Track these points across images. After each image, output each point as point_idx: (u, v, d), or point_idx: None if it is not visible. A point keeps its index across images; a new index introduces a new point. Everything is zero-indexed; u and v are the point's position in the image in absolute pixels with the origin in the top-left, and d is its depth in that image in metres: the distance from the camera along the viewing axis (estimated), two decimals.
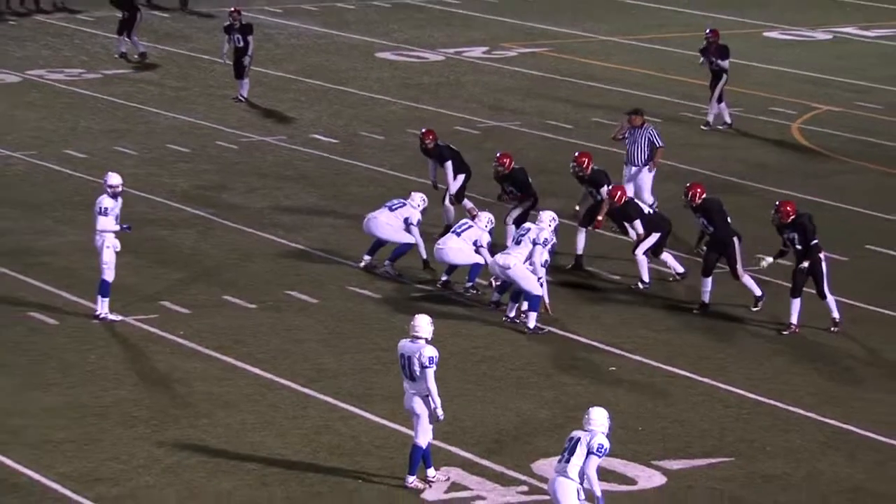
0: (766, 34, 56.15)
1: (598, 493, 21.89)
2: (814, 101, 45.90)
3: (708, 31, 45.37)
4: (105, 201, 30.66)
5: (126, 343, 30.27)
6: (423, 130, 36.58)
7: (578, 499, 21.82)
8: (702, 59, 44.55)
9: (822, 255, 30.63)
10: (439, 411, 24.22)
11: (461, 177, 35.34)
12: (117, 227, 30.73)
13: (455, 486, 24.69)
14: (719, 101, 44.22)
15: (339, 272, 33.54)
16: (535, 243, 30.68)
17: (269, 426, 26.80)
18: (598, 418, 22.06)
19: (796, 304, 30.61)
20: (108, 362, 29.36)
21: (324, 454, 25.79)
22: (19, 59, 51.82)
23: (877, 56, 53.05)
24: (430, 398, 24.17)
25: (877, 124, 44.31)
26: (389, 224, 33.16)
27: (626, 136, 37.35)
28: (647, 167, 36.85)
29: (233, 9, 47.56)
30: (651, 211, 33.01)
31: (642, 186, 36.75)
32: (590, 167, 33.88)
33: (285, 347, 29.90)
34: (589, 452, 21.87)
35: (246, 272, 33.62)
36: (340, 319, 31.30)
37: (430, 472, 24.58)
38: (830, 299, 30.66)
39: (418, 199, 33.47)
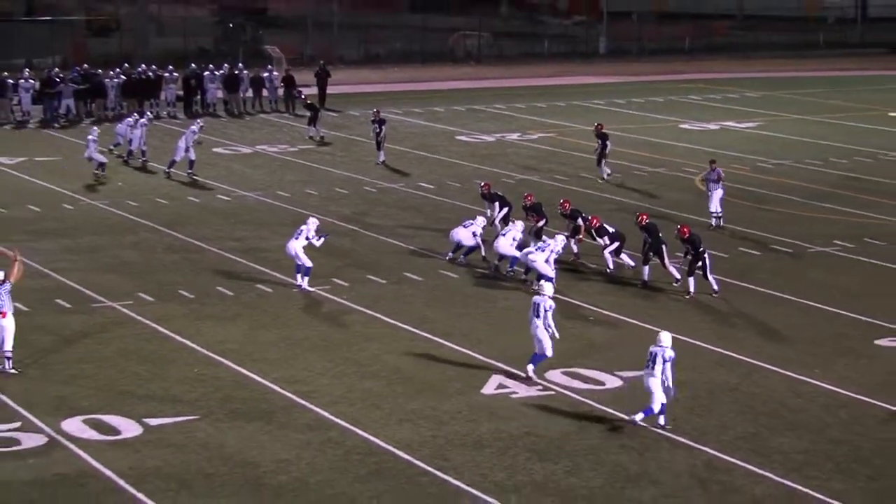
0: (680, 126, 55.89)
1: (670, 384, 22.48)
2: (707, 166, 45.81)
3: (596, 123, 45.02)
4: (311, 233, 31.02)
5: (311, 303, 30.30)
6: (483, 183, 36.61)
7: (662, 388, 22.40)
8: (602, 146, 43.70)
9: (706, 255, 30.60)
10: (557, 334, 24.90)
11: (506, 209, 35.26)
12: (318, 241, 31.15)
13: (500, 386, 24.70)
14: (600, 163, 43.60)
15: (434, 262, 33.47)
16: (551, 251, 30.70)
17: (394, 350, 26.81)
18: (665, 339, 22.59)
19: (691, 280, 30.62)
20: (301, 313, 29.44)
21: (424, 367, 25.82)
22: (251, 139, 51.88)
23: (745, 139, 52.75)
24: (549, 328, 24.77)
25: (745, 179, 44.02)
26: (463, 234, 33.12)
27: (708, 174, 37.70)
28: (717, 189, 37.07)
29: (375, 110, 47.68)
30: (614, 229, 32.83)
31: (713, 200, 37.06)
32: (569, 207, 33.67)
33: (403, 306, 29.86)
34: (664, 361, 22.34)
35: (379, 262, 33.59)
36: (435, 290, 31.24)
37: (531, 371, 24.93)
38: (712, 279, 30.57)
39: (480, 220, 33.42)
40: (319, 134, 51.52)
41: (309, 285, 30.92)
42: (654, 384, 22.42)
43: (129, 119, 47.76)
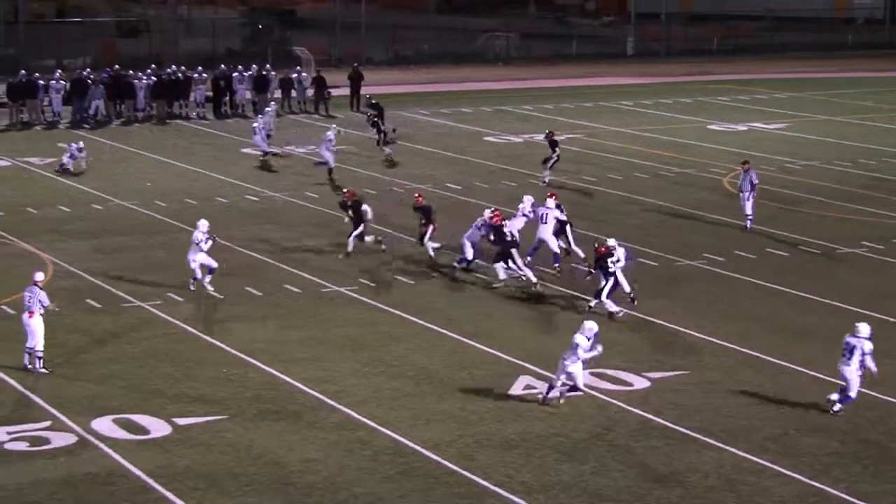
0: (708, 126, 55.77)
1: (875, 369, 22.90)
2: (735, 166, 45.48)
3: (547, 130, 45.04)
4: (198, 236, 30.14)
5: (340, 304, 30.32)
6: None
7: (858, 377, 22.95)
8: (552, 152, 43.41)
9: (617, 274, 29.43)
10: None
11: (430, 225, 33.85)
12: (206, 245, 30.20)
13: (527, 386, 24.69)
14: (547, 166, 43.10)
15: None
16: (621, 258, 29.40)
17: (421, 351, 26.83)
18: (864, 329, 22.83)
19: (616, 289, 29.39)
20: (329, 314, 29.45)
21: (451, 367, 25.82)
22: (280, 139, 51.29)
23: (773, 140, 52.64)
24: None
25: (771, 179, 43.87)
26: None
27: (741, 176, 37.11)
28: (748, 195, 36.41)
29: (369, 114, 48.10)
30: (513, 235, 31.35)
31: (745, 206, 36.51)
32: (498, 219, 31.90)
33: (430, 307, 29.84)
34: (863, 353, 22.69)
35: (406, 262, 33.54)
36: (463, 290, 31.18)
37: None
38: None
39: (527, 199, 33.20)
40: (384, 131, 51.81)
41: (210, 285, 30.32)
42: (850, 373, 22.82)
43: (269, 109, 50.01)
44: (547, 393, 23.68)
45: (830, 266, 33.80)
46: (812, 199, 41.32)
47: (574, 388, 23.60)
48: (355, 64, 62.60)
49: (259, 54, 68.85)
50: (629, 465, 21.25)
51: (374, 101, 53.19)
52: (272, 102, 53.82)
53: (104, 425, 22.63)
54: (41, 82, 55.89)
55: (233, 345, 26.99)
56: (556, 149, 43.41)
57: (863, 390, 24.53)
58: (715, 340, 27.45)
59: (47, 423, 22.75)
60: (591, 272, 30.23)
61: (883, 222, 38.23)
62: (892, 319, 29.01)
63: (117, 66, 58.58)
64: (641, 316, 29.21)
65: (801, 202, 40.88)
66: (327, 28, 79.08)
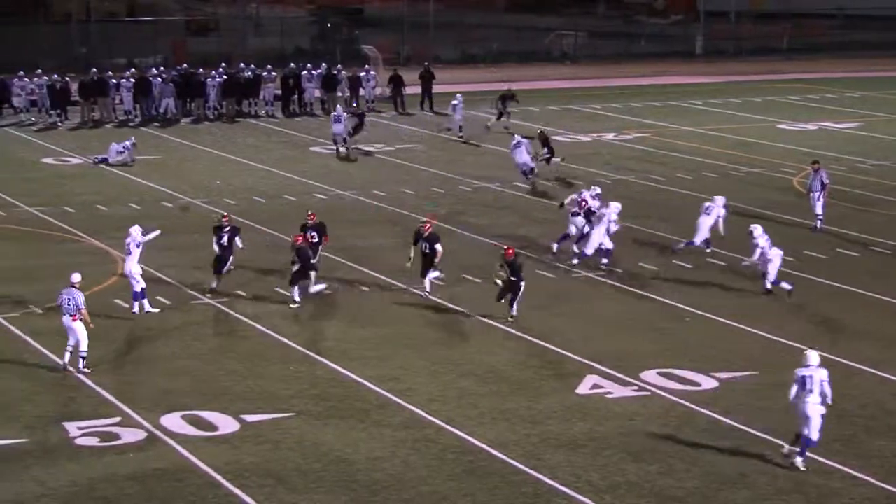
0: (778, 126, 55.36)
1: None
2: (805, 166, 45.12)
3: (539, 130, 45.27)
4: (138, 238, 28.93)
5: (407, 302, 30.27)
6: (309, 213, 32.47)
7: None
8: (546, 151, 43.61)
9: (522, 284, 28.47)
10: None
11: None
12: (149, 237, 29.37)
13: (595, 386, 24.62)
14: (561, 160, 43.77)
15: (529, 262, 33.16)
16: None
17: (489, 350, 26.77)
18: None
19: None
20: (397, 312, 29.41)
21: (519, 366, 25.76)
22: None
23: (843, 139, 52.19)
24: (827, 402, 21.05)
25: (842, 179, 43.46)
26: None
27: (811, 176, 36.90)
28: (819, 195, 36.28)
29: (355, 104, 49.99)
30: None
31: (814, 206, 36.33)
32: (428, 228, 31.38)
33: (498, 305, 29.68)
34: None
35: (474, 261, 33.35)
36: (530, 289, 30.71)
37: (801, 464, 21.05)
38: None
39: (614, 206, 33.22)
40: (493, 123, 52.57)
41: (151, 306, 28.96)
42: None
43: (454, 102, 51.47)
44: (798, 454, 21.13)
45: None
46: (883, 199, 40.93)
47: (807, 441, 20.97)
48: (426, 63, 62.57)
49: (328, 53, 69.07)
50: (696, 466, 21.13)
51: (512, 93, 53.82)
52: (458, 94, 53.17)
53: (173, 421, 22.78)
54: (112, 80, 56.38)
55: (300, 342, 27.08)
56: (550, 147, 43.52)
57: None
58: (784, 341, 27.24)
59: (117, 419, 22.93)
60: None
61: None
62: None
63: (185, 65, 58.98)
64: (709, 315, 29.05)
65: (872, 202, 40.51)
66: (396, 27, 79.21)
